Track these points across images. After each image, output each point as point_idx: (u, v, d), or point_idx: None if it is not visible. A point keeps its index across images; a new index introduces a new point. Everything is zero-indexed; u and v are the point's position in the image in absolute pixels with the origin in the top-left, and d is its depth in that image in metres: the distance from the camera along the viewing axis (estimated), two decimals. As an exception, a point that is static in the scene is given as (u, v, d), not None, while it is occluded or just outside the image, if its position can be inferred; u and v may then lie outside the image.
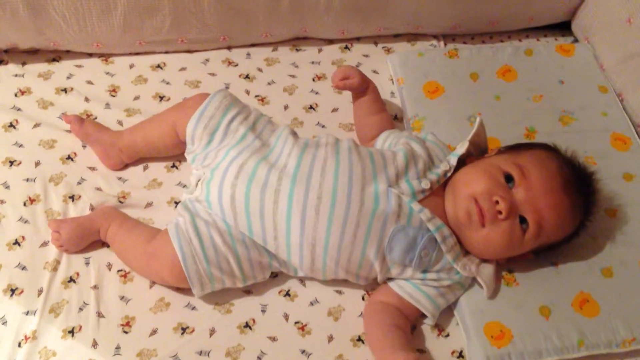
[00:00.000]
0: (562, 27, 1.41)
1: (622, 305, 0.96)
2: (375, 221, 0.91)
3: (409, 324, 0.95)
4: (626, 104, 1.22)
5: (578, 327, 0.94)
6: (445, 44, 1.35)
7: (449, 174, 0.97)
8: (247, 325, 0.96)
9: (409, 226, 0.92)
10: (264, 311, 0.97)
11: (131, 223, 1.01)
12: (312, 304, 0.99)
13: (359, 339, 0.95)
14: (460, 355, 0.95)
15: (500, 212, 0.90)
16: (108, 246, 1.01)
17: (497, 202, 0.90)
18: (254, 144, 0.99)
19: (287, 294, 0.99)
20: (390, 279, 0.97)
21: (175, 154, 1.10)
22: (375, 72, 1.28)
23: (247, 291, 0.99)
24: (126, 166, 1.10)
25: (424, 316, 0.97)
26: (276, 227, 0.92)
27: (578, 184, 0.95)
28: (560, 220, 0.93)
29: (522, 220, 0.91)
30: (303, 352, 0.94)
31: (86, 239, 1.00)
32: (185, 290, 0.97)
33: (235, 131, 1.00)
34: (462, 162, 0.99)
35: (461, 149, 0.98)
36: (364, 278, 0.96)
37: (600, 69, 1.27)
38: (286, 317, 0.97)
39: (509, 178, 0.93)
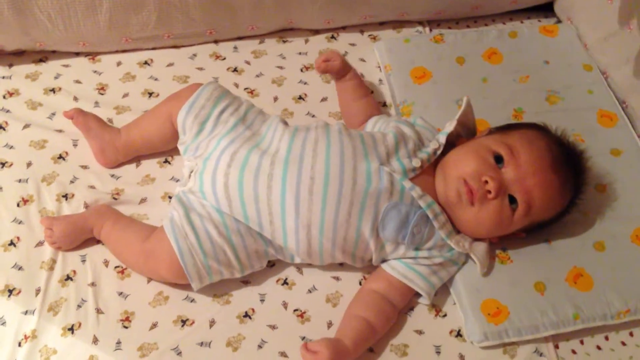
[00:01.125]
0: (545, 9, 1.42)
1: (615, 278, 0.98)
2: (369, 199, 0.92)
3: (389, 312, 0.95)
4: (610, 81, 1.23)
5: (573, 301, 0.95)
6: (430, 30, 1.36)
7: (438, 152, 0.98)
8: (246, 315, 0.96)
9: (401, 203, 0.93)
10: (262, 300, 0.98)
11: (125, 221, 1.01)
12: (310, 291, 1.00)
13: (358, 323, 0.96)
14: (459, 334, 0.96)
15: (489, 192, 0.91)
16: (103, 244, 1.01)
17: (486, 182, 0.91)
18: (245, 133, 0.99)
19: (285, 282, 1.00)
20: (384, 261, 0.98)
21: (172, 148, 1.09)
22: (362, 60, 1.28)
23: (245, 281, 0.99)
24: (119, 164, 1.10)
25: (418, 295, 0.98)
26: (271, 212, 0.93)
27: (567, 162, 0.96)
28: (549, 199, 0.94)
29: (512, 200, 0.93)
30: (303, 338, 0.95)
31: (79, 236, 1.00)
32: (183, 284, 0.97)
33: (225, 122, 1.01)
34: (452, 144, 1.01)
35: (450, 127, 0.99)
36: (360, 259, 0.97)
37: (584, 48, 1.28)
38: (285, 305, 0.98)
39: (498, 158, 0.94)
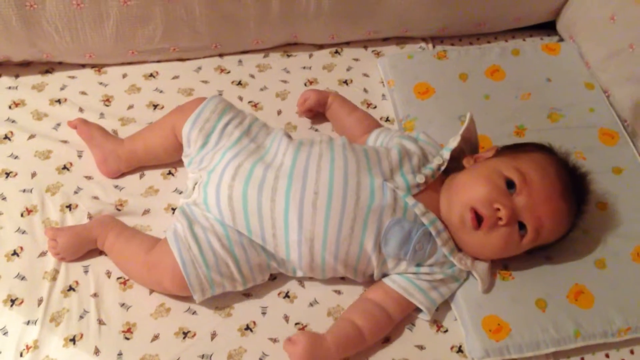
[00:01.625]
0: (547, 27, 1.43)
1: (616, 296, 0.98)
2: (372, 214, 0.92)
3: (381, 321, 0.95)
4: (612, 100, 1.24)
5: (574, 318, 0.96)
6: (433, 46, 1.37)
7: (442, 168, 0.98)
8: (247, 328, 0.96)
9: (405, 220, 0.93)
10: (264, 313, 0.98)
11: (129, 232, 1.01)
12: (311, 304, 1.00)
13: (360, 338, 0.96)
14: (460, 350, 0.96)
15: (500, 219, 0.91)
16: (106, 254, 1.02)
17: (497, 209, 0.91)
18: (250, 146, 1.00)
19: (287, 295, 1.00)
20: (385, 275, 0.98)
21: (175, 160, 1.10)
22: (365, 75, 1.30)
23: (247, 294, 1.00)
24: (122, 174, 1.11)
25: (419, 311, 0.98)
26: (274, 225, 0.93)
27: (574, 189, 0.96)
28: (557, 226, 0.95)
29: (521, 226, 0.93)
30: (304, 352, 0.95)
31: (83, 247, 1.00)
32: (185, 296, 0.97)
33: (230, 134, 1.01)
34: (455, 160, 1.01)
35: (454, 142, 0.99)
36: (362, 273, 0.98)
37: (586, 66, 1.29)
38: (286, 318, 0.98)
39: (510, 184, 0.93)
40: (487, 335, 0.94)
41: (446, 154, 0.99)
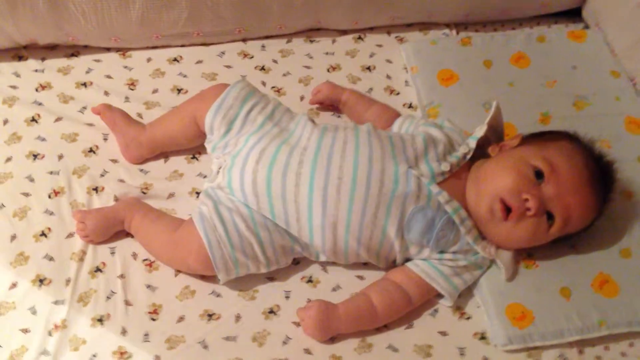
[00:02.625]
0: (573, 14, 1.41)
1: (642, 285, 0.98)
2: (395, 201, 0.93)
3: (398, 300, 0.95)
4: (639, 88, 1.23)
5: (598, 307, 0.95)
6: (457, 33, 1.36)
7: (468, 157, 0.98)
8: (271, 311, 0.97)
9: (428, 207, 0.93)
10: (287, 297, 0.99)
11: (155, 214, 1.02)
12: (334, 289, 1.00)
13: (382, 323, 0.97)
14: (483, 337, 0.97)
15: (528, 209, 0.91)
16: (132, 236, 1.03)
17: (526, 200, 0.90)
18: (273, 130, 1.00)
19: (310, 280, 1.01)
20: (408, 259, 0.99)
21: (196, 146, 1.11)
22: (389, 61, 1.29)
23: (271, 278, 1.00)
24: (146, 160, 1.12)
25: (440, 297, 0.98)
26: (298, 209, 0.94)
27: (601, 177, 0.96)
28: (585, 215, 0.95)
29: (549, 215, 0.92)
30: (327, 336, 0.95)
31: (110, 229, 1.01)
32: (209, 278, 0.99)
33: (253, 120, 1.02)
34: (481, 147, 1.00)
35: (480, 131, 0.99)
36: (384, 259, 0.98)
37: (612, 54, 1.28)
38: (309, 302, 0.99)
39: (538, 174, 0.92)
40: (511, 322, 0.94)
41: (472, 143, 0.98)
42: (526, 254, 1.01)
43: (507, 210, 0.91)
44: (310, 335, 0.93)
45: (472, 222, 0.95)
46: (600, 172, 0.96)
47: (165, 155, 1.13)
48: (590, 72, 1.25)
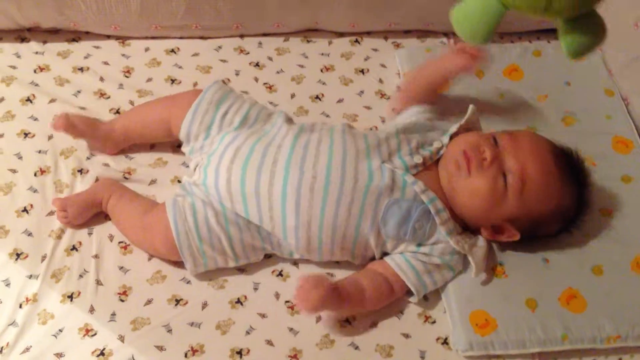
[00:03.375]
0: (574, 31, 1.41)
1: (610, 303, 0.97)
2: (369, 196, 0.94)
3: (382, 292, 0.96)
4: (631, 108, 1.22)
5: (563, 321, 0.95)
6: (455, 42, 1.36)
7: (441, 152, 1.00)
8: (238, 301, 0.99)
9: (403, 199, 0.94)
10: (256, 289, 1.00)
11: (131, 195, 1.05)
12: (303, 284, 1.01)
13: (347, 321, 0.98)
14: (445, 342, 0.97)
15: (485, 159, 0.94)
16: (110, 219, 1.05)
17: (483, 151, 0.95)
18: (249, 130, 1.02)
19: (280, 274, 1.02)
20: (385, 254, 1.00)
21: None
22: (383, 65, 1.30)
23: (241, 269, 1.02)
24: (131, 147, 1.13)
25: (409, 295, 0.98)
26: (272, 208, 0.95)
27: (569, 164, 0.98)
28: (545, 184, 0.95)
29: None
30: (291, 329, 0.96)
31: (90, 211, 1.04)
32: (181, 265, 1.00)
33: (230, 122, 1.03)
34: None
35: (454, 127, 1.02)
36: (359, 256, 0.99)
37: (609, 73, 1.27)
38: (277, 295, 1.00)
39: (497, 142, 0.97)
40: (474, 329, 0.94)
41: (445, 139, 1.01)
42: (498, 263, 1.01)
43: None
44: (305, 307, 0.91)
45: (447, 214, 0.96)
46: (568, 160, 0.99)
47: (152, 144, 1.15)
48: (583, 89, 1.25)
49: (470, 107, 1.03)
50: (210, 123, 1.03)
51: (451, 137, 1.01)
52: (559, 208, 0.97)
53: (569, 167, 0.98)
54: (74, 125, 1.07)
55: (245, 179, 0.95)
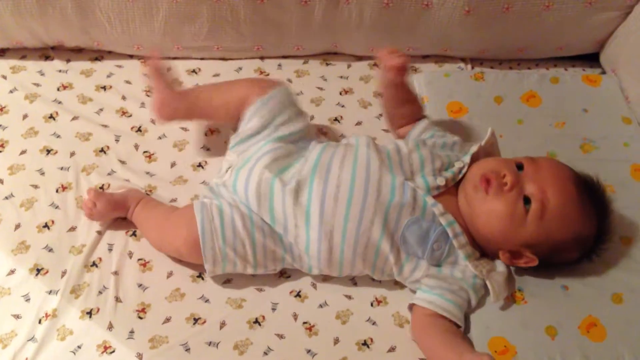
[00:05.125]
0: (591, 59, 1.42)
1: (630, 332, 0.96)
2: (392, 211, 0.95)
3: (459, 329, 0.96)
4: (649, 136, 1.22)
5: (583, 349, 0.94)
6: (472, 67, 1.38)
7: (463, 171, 1.00)
8: (256, 322, 0.99)
9: (423, 219, 0.95)
10: (274, 309, 1.00)
11: (157, 202, 1.08)
12: (321, 306, 1.01)
13: (364, 343, 0.97)
14: (464, 368, 0.96)
15: (505, 184, 0.94)
16: (132, 235, 1.06)
17: (504, 176, 0.95)
18: (289, 147, 1.03)
19: (298, 294, 1.02)
20: (413, 291, 1.00)
21: (226, 123, 1.15)
22: (401, 89, 1.31)
23: (260, 289, 1.02)
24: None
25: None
26: (296, 216, 0.96)
27: (591, 192, 0.98)
28: (566, 210, 0.94)
29: (528, 202, 0.94)
30: (309, 351, 0.96)
31: (115, 212, 1.06)
32: (200, 282, 1.01)
33: (282, 132, 1.05)
34: None
35: (474, 148, 1.03)
36: (380, 270, 0.99)
37: (626, 100, 1.28)
38: (295, 316, 1.00)
39: (520, 167, 0.97)
40: (493, 356, 0.93)
41: (467, 158, 1.01)
42: (517, 289, 1.00)
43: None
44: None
45: (465, 239, 0.96)
46: (589, 187, 0.98)
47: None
48: (601, 117, 1.25)
49: (490, 129, 1.04)
50: (268, 123, 1.04)
51: (472, 158, 1.02)
52: (579, 235, 0.97)
53: (591, 194, 0.98)
54: (162, 72, 1.10)
55: (274, 187, 0.97)
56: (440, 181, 0.98)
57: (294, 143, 1.05)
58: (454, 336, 0.94)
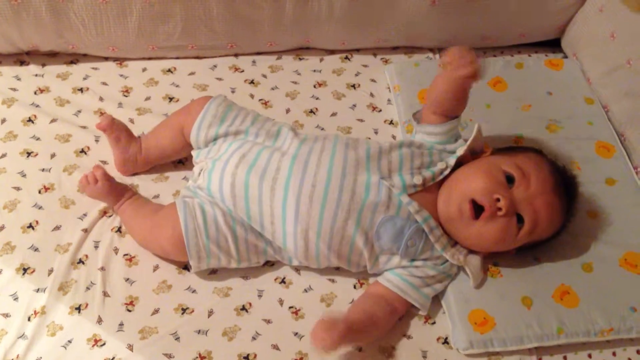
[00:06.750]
0: (553, 44, 1.48)
1: (601, 298, 1.01)
2: (365, 209, 0.97)
3: (389, 314, 0.98)
4: (611, 115, 1.28)
5: (558, 316, 0.99)
6: (440, 57, 1.42)
7: (445, 173, 1.01)
8: (243, 308, 1.01)
9: (398, 217, 0.97)
10: (260, 296, 1.03)
11: (145, 199, 1.10)
12: (306, 290, 1.04)
13: (349, 324, 1.00)
14: (446, 341, 1.00)
15: (499, 209, 0.94)
16: (117, 231, 1.07)
17: (497, 200, 0.94)
18: (255, 139, 1.05)
19: (283, 281, 1.05)
20: (378, 268, 1.02)
21: (183, 157, 1.16)
22: (373, 80, 1.35)
23: (245, 277, 1.04)
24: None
25: (416, 308, 1.01)
26: (273, 213, 0.98)
27: (565, 187, 1.01)
28: (552, 220, 0.99)
29: (519, 219, 0.96)
30: (296, 334, 0.99)
31: (107, 197, 1.07)
32: (186, 274, 1.03)
33: (235, 133, 1.07)
34: (459, 164, 1.03)
35: (460, 150, 1.02)
36: (355, 264, 1.02)
37: (587, 82, 1.34)
38: (281, 302, 1.02)
39: (509, 178, 0.97)
40: (473, 327, 0.97)
41: (451, 161, 1.02)
42: (492, 263, 1.05)
43: (479, 210, 0.95)
44: (322, 349, 0.88)
45: (441, 231, 0.99)
46: (564, 182, 1.01)
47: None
48: (564, 98, 1.30)
49: (476, 126, 1.04)
50: (215, 135, 1.07)
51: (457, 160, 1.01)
52: (559, 228, 1.02)
53: (565, 188, 1.01)
54: (116, 126, 1.11)
55: (248, 184, 0.99)
56: (418, 180, 0.99)
57: (258, 133, 1.06)
58: (361, 313, 0.95)
